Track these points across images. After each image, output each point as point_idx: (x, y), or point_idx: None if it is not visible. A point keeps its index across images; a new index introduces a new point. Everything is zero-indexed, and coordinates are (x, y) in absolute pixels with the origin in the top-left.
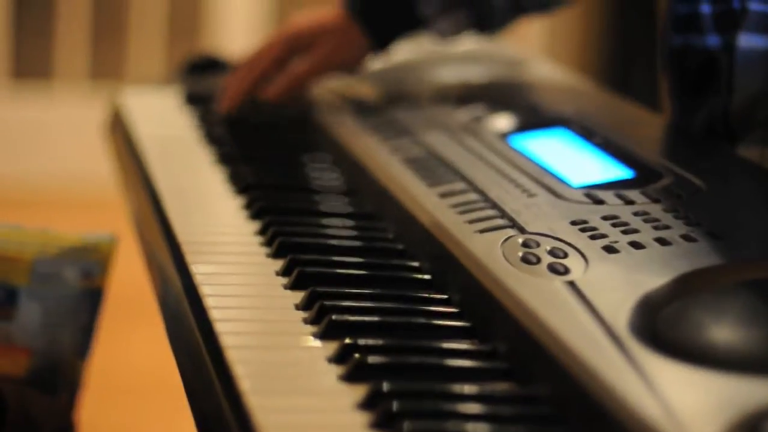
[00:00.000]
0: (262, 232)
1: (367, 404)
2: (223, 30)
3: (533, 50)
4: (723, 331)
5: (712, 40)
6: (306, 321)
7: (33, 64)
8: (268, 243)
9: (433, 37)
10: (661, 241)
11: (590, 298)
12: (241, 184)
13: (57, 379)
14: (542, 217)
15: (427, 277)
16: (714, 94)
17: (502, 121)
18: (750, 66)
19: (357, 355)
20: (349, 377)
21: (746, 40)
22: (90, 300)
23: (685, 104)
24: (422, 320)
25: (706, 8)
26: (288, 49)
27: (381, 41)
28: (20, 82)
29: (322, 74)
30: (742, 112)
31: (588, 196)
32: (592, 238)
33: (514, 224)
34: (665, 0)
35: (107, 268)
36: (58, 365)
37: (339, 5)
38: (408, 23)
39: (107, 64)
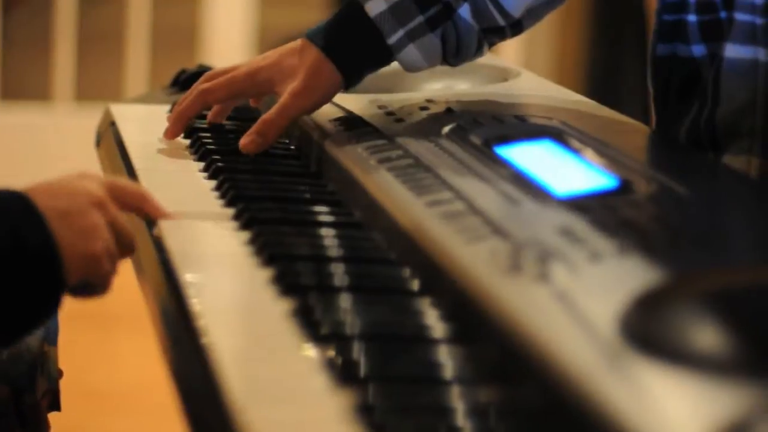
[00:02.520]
0: (251, 241)
1: (355, 413)
2: (212, 51)
3: (514, 61)
4: (711, 336)
5: (698, 50)
6: (296, 329)
7: (22, 84)
8: (257, 253)
9: (402, 67)
10: (646, 248)
11: (576, 305)
12: (229, 195)
13: (29, 367)
14: (528, 225)
15: (414, 285)
16: (699, 104)
17: (488, 131)
18: (736, 76)
19: (346, 365)
20: (339, 386)
21: (732, 50)
22: None
23: (671, 113)
24: (410, 329)
25: (692, 18)
26: (251, 86)
27: (353, 77)
28: (9, 102)
29: (295, 118)
30: (728, 121)
31: (573, 203)
32: (578, 245)
33: (500, 233)
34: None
35: None
36: (25, 352)
37: (304, 41)
38: (378, 56)
39: (96, 83)
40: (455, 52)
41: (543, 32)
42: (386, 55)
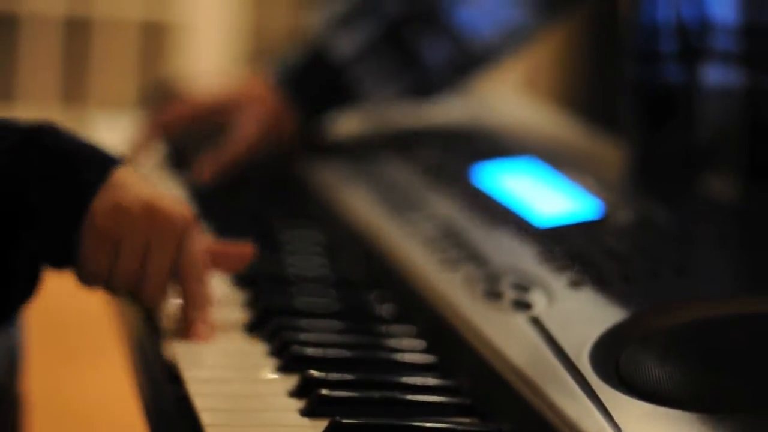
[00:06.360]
0: None
1: None
2: (192, 52)
3: (509, 79)
4: (685, 369)
5: (677, 75)
6: (268, 354)
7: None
8: (231, 276)
9: (369, 108)
10: (625, 277)
11: (553, 334)
12: (204, 214)
13: None
14: (506, 252)
15: (390, 310)
16: (678, 127)
17: (469, 155)
18: (714, 100)
19: (318, 389)
20: (310, 411)
21: (710, 75)
22: None
23: (648, 137)
24: (385, 354)
25: (668, 42)
26: (209, 117)
27: (311, 118)
28: None
29: (251, 154)
30: (707, 144)
31: (553, 231)
32: (556, 272)
33: (478, 259)
34: (628, 33)
35: None
36: None
37: (271, 84)
38: (340, 97)
39: (75, 86)
40: (424, 91)
41: (543, 59)
42: (352, 99)
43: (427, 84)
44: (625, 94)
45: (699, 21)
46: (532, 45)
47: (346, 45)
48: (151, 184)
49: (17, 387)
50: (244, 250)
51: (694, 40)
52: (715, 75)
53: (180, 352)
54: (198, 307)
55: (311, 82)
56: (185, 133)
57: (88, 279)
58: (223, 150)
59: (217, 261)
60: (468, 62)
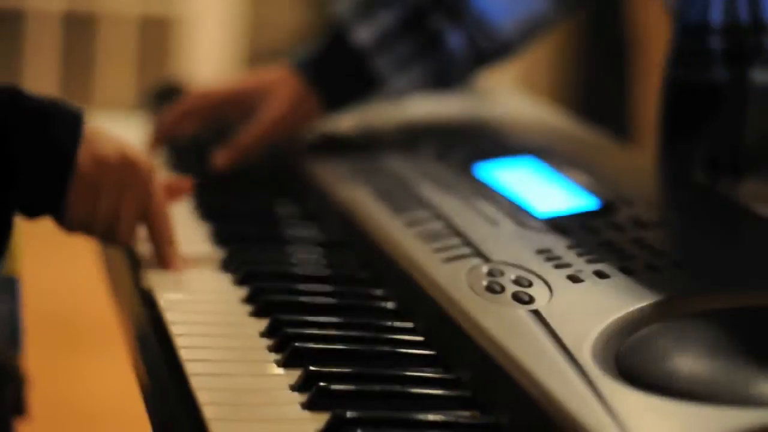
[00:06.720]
0: (227, 259)
1: None
2: (193, 54)
3: (507, 78)
4: (685, 362)
5: (722, 74)
6: (270, 349)
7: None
8: (233, 271)
9: (388, 98)
10: (626, 271)
11: (554, 327)
12: (206, 211)
13: None
14: (507, 246)
15: (391, 305)
16: (720, 128)
17: (470, 151)
18: (763, 101)
19: (319, 383)
20: (312, 405)
21: (760, 75)
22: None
23: (685, 136)
24: (387, 348)
25: (716, 41)
26: (231, 110)
27: (333, 103)
28: None
29: (271, 139)
30: (753, 147)
31: (553, 225)
32: (557, 267)
33: (479, 253)
34: (673, 32)
35: (12, 255)
36: None
37: (290, 70)
38: (361, 83)
39: (77, 83)
40: (443, 80)
41: (540, 57)
42: (373, 86)
43: (448, 72)
44: (664, 94)
45: (748, 20)
46: (545, 37)
47: (368, 31)
48: (115, 135)
49: (18, 365)
50: (185, 182)
51: (742, 39)
52: (762, 75)
53: (154, 278)
54: (167, 240)
55: (333, 66)
56: (201, 126)
57: (71, 225)
58: (246, 131)
59: (168, 194)
60: (488, 51)
